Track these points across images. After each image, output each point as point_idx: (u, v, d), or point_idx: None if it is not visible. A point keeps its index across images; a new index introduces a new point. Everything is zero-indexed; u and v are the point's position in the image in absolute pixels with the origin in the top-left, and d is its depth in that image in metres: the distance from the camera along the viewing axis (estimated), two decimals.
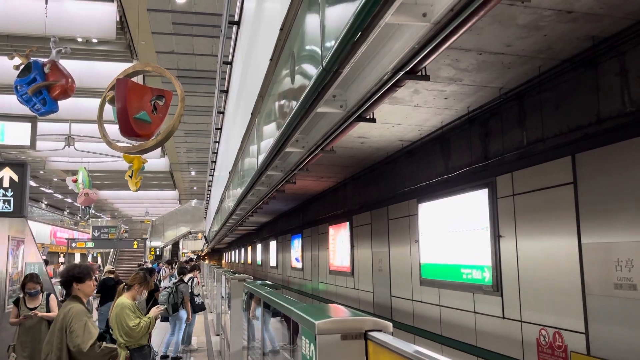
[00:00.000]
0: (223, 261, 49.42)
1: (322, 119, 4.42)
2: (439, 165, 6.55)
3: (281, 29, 3.79)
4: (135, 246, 29.34)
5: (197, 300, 9.63)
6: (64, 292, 4.13)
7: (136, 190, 9.47)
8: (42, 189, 33.24)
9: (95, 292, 9.41)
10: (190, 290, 9.30)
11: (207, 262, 30.75)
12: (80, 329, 3.67)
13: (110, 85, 4.39)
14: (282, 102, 4.11)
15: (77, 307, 3.84)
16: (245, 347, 5.35)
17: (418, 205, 6.96)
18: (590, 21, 3.67)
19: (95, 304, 10.59)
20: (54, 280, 10.24)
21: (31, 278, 5.72)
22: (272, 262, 19.87)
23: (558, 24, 3.69)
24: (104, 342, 3.82)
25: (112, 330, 4.57)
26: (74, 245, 29.00)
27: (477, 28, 3.68)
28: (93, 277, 4.18)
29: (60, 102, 5.15)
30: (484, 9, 2.26)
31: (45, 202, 41.13)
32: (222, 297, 8.95)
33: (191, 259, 34.85)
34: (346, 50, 2.42)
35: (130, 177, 9.34)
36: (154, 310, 4.95)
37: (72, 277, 3.94)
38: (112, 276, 10.28)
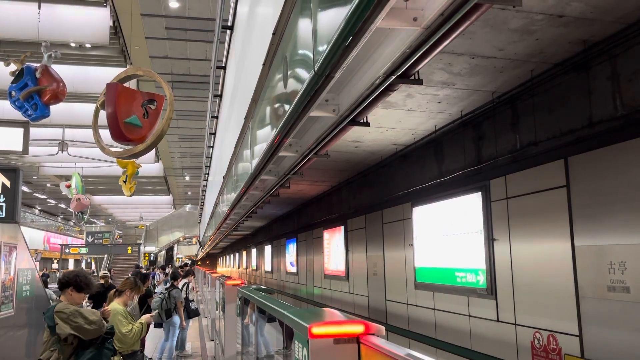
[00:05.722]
0: (218, 266, 49.14)
1: (315, 123, 4.42)
2: (432, 169, 6.57)
3: (274, 34, 3.79)
4: (129, 251, 29.18)
5: (192, 305, 9.58)
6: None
7: (130, 196, 9.43)
8: (35, 194, 33.03)
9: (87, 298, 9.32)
10: (185, 296, 9.26)
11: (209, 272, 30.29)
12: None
13: (104, 91, 4.38)
14: (275, 106, 4.10)
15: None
16: (240, 352, 5.33)
17: (412, 209, 6.96)
18: (581, 25, 3.69)
19: None
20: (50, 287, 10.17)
21: None
22: (267, 267, 19.81)
23: (550, 28, 3.71)
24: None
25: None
26: (67, 251, 28.77)
27: (469, 32, 3.70)
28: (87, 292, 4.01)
29: (53, 107, 5.11)
30: (475, 14, 2.28)
31: (39, 208, 40.87)
32: (217, 302, 8.91)
33: (185, 264, 34.68)
34: (338, 54, 2.42)
35: (125, 182, 9.29)
36: (146, 317, 4.93)
37: (74, 283, 3.82)
38: (102, 282, 10.20)
